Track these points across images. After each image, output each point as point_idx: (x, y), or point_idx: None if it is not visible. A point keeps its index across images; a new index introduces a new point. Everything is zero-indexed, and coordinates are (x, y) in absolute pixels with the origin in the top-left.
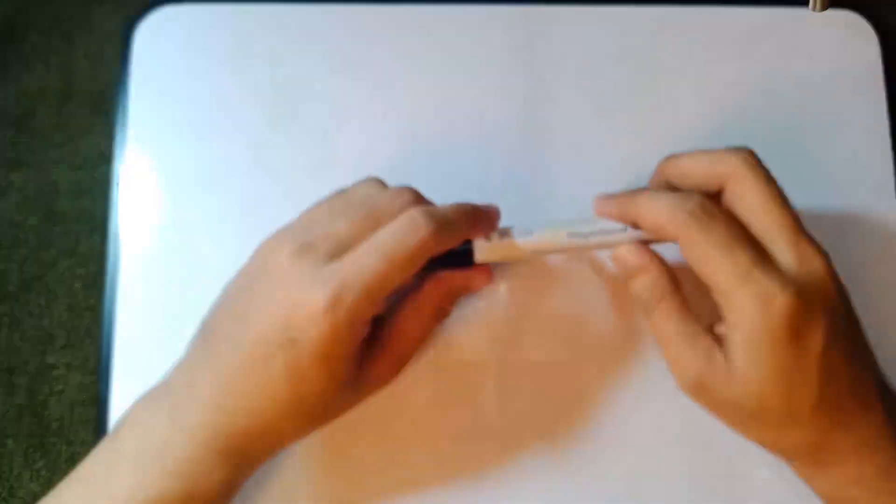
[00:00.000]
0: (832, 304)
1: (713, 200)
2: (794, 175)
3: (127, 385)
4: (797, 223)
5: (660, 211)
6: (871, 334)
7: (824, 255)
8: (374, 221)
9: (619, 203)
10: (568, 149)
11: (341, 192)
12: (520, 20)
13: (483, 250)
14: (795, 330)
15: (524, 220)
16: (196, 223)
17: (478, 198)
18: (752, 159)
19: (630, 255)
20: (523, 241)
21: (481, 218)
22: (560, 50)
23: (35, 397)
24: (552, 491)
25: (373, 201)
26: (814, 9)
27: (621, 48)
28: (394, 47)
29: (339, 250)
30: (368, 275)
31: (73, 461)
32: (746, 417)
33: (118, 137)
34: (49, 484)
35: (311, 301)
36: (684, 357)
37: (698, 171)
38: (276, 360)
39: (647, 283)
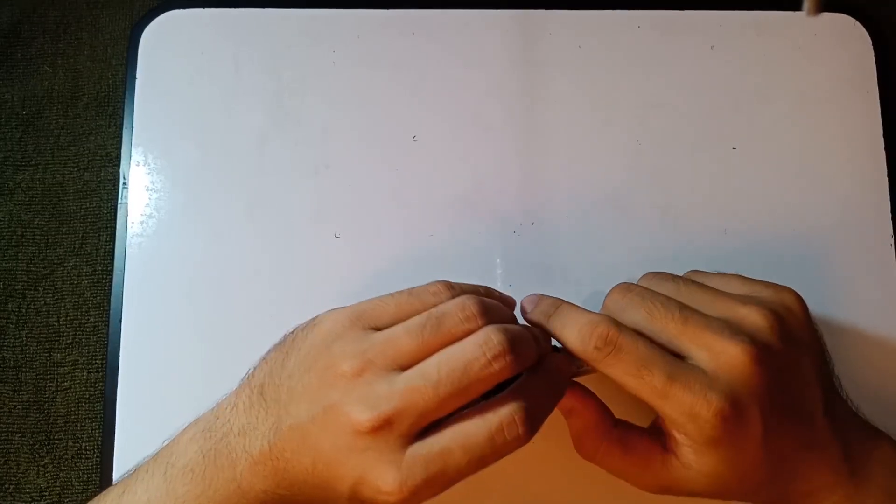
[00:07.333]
0: (759, 383)
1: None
2: (787, 175)
3: (132, 382)
4: (699, 321)
5: (572, 342)
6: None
7: (742, 341)
8: (440, 342)
9: (540, 315)
10: (566, 151)
11: (414, 295)
12: (519, 25)
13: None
14: (731, 430)
15: (522, 221)
16: (201, 223)
17: (475, 198)
18: (632, 287)
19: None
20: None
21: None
22: (559, 54)
23: (42, 394)
24: None
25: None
26: (808, 13)
27: (619, 52)
28: (393, 51)
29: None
30: (453, 471)
31: (79, 457)
32: (712, 497)
33: (124, 138)
34: (55, 480)
35: (382, 483)
36: (641, 479)
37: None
38: (342, 496)
39: (579, 426)
